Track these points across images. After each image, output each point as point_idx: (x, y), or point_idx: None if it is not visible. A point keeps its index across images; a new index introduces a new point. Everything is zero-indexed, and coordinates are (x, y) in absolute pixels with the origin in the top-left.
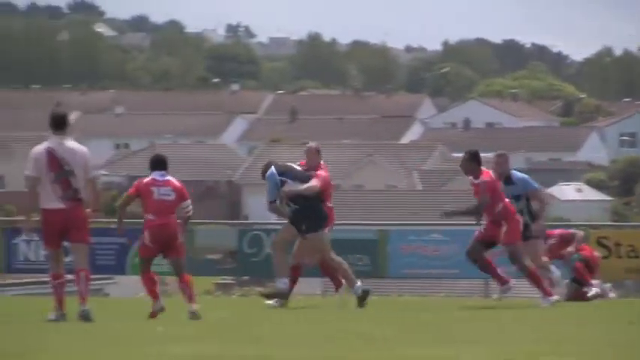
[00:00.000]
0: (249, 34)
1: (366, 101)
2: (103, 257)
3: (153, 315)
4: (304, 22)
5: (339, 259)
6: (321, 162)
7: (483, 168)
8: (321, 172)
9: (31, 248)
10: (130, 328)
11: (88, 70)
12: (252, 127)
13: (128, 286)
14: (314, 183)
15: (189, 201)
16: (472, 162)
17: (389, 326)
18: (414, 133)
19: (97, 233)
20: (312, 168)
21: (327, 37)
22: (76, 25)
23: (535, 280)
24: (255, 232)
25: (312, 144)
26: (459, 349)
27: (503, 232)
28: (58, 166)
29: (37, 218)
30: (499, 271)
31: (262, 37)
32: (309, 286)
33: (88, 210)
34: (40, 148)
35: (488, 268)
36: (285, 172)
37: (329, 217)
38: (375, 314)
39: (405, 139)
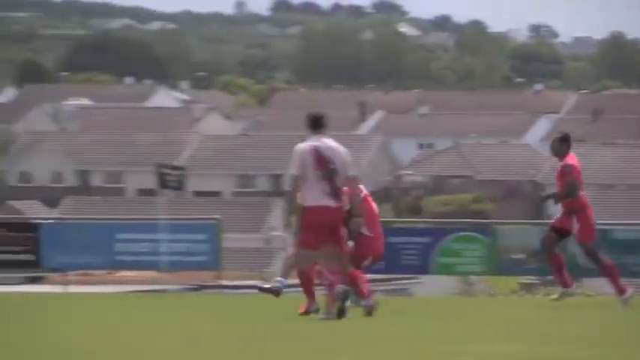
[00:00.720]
0: (553, 33)
1: None
2: (408, 257)
3: (304, 312)
4: (607, 21)
5: None
6: (361, 186)
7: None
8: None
9: None
10: (432, 328)
11: (392, 70)
12: (556, 126)
13: (431, 285)
14: None
15: None
16: (563, 144)
17: None
18: None
19: (401, 233)
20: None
21: (630, 36)
22: (379, 24)
23: (611, 276)
24: None
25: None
26: None
27: (577, 229)
28: (324, 164)
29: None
30: (564, 272)
31: (565, 36)
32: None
33: (354, 219)
34: (306, 146)
35: (553, 262)
36: None
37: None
38: None
39: None
